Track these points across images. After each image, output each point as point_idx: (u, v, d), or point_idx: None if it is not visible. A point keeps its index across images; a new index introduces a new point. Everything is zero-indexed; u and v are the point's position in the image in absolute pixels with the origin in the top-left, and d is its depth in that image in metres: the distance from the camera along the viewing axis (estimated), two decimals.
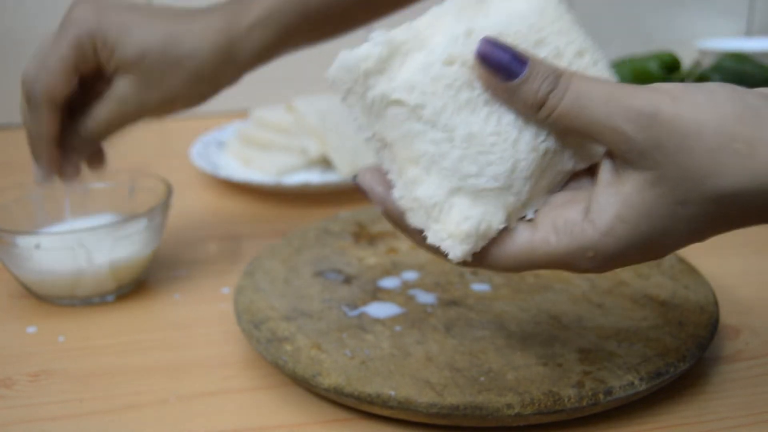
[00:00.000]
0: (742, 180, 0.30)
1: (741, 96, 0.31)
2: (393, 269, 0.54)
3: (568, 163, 0.35)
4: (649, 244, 0.33)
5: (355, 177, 0.37)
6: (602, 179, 0.33)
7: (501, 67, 0.33)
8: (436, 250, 0.35)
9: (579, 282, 0.51)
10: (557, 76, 0.32)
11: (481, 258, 0.35)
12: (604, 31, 1.10)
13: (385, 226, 0.60)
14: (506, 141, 0.33)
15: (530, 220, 0.35)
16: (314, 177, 0.76)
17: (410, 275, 0.53)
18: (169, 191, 0.56)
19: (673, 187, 0.31)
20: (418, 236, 0.35)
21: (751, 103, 0.31)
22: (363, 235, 0.59)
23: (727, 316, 0.50)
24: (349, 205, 0.70)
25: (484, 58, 0.33)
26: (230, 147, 0.83)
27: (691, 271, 0.51)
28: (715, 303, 0.47)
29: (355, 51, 0.34)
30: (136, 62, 0.50)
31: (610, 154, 0.33)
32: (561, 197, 0.35)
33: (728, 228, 0.33)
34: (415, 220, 0.34)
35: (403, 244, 0.58)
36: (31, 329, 0.51)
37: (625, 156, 0.32)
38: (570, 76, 0.32)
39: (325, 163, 0.78)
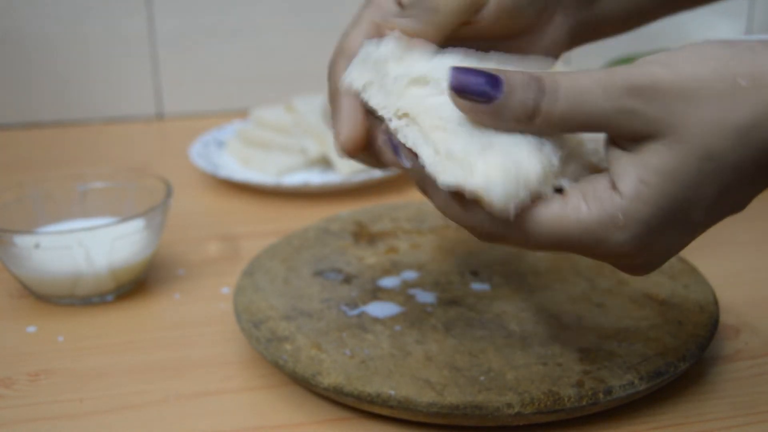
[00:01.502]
0: (756, 110, 0.30)
1: (729, 42, 0.31)
2: (393, 269, 0.54)
3: (591, 156, 0.35)
4: (680, 209, 0.32)
5: (381, 135, 0.36)
6: (614, 155, 0.33)
7: (477, 92, 0.32)
8: (467, 210, 0.33)
9: (579, 281, 0.51)
10: (538, 81, 0.32)
11: (518, 224, 0.33)
12: None
13: (385, 225, 0.60)
14: None
15: (562, 191, 0.34)
16: (314, 177, 0.76)
17: (410, 275, 0.53)
18: (168, 191, 0.56)
19: (693, 142, 0.31)
20: (442, 198, 0.34)
21: (739, 43, 0.31)
22: (363, 235, 0.59)
23: (726, 316, 0.50)
24: (348, 205, 0.70)
25: (459, 89, 0.32)
26: (230, 147, 0.83)
27: (691, 270, 0.51)
28: (715, 302, 0.47)
29: (379, 45, 0.36)
30: None
31: (617, 140, 0.33)
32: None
33: (757, 183, 0.32)
34: (448, 177, 0.32)
35: (403, 243, 0.58)
36: (31, 329, 0.51)
37: (638, 132, 0.31)
38: (552, 78, 0.32)
39: (325, 163, 0.78)
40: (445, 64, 0.35)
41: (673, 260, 0.52)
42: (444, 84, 0.33)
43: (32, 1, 0.93)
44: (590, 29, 0.47)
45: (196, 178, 0.79)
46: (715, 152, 0.31)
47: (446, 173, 0.33)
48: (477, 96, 0.32)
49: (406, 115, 0.35)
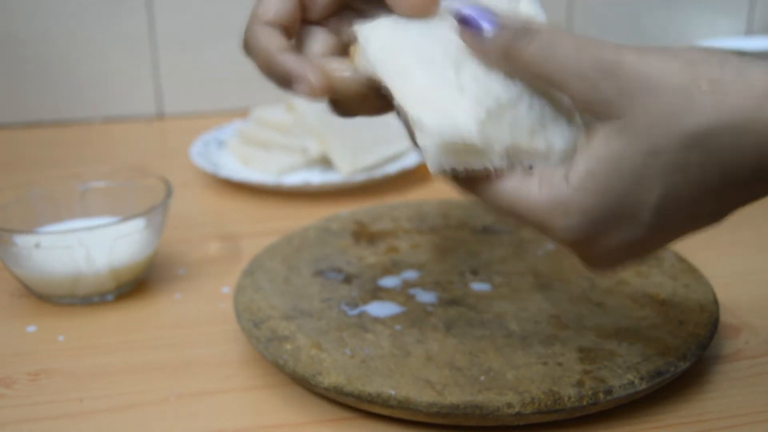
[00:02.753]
0: (709, 117, 0.30)
1: (707, 48, 0.32)
2: (393, 268, 0.54)
3: (559, 140, 0.36)
4: (623, 205, 0.32)
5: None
6: (579, 147, 0.34)
7: (472, 21, 0.35)
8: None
9: (579, 281, 0.51)
10: (526, 27, 0.34)
11: (472, 185, 0.36)
12: (604, 31, 1.10)
13: (386, 225, 0.60)
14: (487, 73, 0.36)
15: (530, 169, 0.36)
16: (314, 176, 0.76)
17: (410, 274, 0.53)
18: (168, 191, 0.56)
19: (640, 133, 0.31)
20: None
21: (716, 52, 0.31)
22: (363, 234, 0.59)
23: (727, 315, 0.50)
24: (349, 205, 0.70)
25: (459, 16, 0.36)
26: (230, 146, 0.83)
27: (691, 270, 0.51)
28: (716, 302, 0.47)
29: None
30: None
31: (580, 113, 0.34)
32: None
33: (718, 193, 0.32)
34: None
35: (404, 243, 0.58)
36: (31, 328, 0.51)
37: (592, 107, 0.32)
38: (539, 26, 0.34)
39: (325, 162, 0.78)
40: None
41: (673, 260, 0.52)
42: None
43: (32, 1, 0.93)
44: None
45: (197, 178, 0.79)
46: (659, 148, 0.31)
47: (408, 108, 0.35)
48: (470, 23, 0.35)
49: (382, 84, 0.37)
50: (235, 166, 0.79)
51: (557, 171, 0.34)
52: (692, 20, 1.12)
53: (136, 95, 1.00)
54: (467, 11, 0.36)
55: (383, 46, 0.38)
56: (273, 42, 0.39)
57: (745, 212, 0.34)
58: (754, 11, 1.13)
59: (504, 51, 0.34)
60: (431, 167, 0.34)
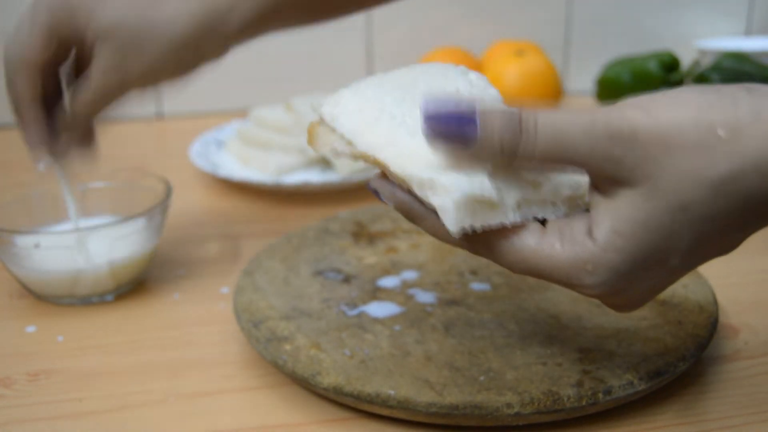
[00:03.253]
0: (733, 164, 0.30)
1: (711, 87, 0.31)
2: (392, 269, 0.54)
3: (565, 189, 0.36)
4: (654, 257, 0.32)
5: (368, 184, 0.38)
6: (595, 200, 0.33)
7: (453, 137, 0.32)
8: (446, 232, 0.34)
9: None
10: (517, 120, 0.32)
11: (490, 246, 0.35)
12: (604, 31, 1.10)
13: (385, 225, 0.60)
14: None
15: (543, 223, 0.35)
16: (313, 176, 0.76)
17: (410, 275, 0.53)
18: (168, 191, 0.56)
19: (667, 192, 0.31)
20: (428, 223, 0.35)
21: (725, 91, 0.31)
22: (362, 235, 0.59)
23: (726, 316, 0.50)
24: (348, 205, 0.70)
25: (434, 135, 0.32)
26: (229, 146, 0.83)
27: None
28: (715, 302, 0.47)
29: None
30: (113, 29, 0.48)
31: (596, 181, 0.33)
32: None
33: (741, 227, 0.32)
34: (418, 192, 0.34)
35: (403, 243, 0.58)
36: (31, 328, 0.51)
37: (615, 177, 0.32)
38: (531, 116, 0.32)
39: (325, 162, 0.78)
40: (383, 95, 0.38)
41: None
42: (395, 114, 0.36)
43: (32, 1, 0.93)
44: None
45: (196, 178, 0.79)
46: (689, 204, 0.31)
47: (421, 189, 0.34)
48: (454, 141, 0.32)
49: (370, 157, 0.36)
50: (235, 166, 0.79)
51: (577, 226, 0.33)
52: (692, 20, 1.12)
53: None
54: (435, 123, 0.32)
55: (358, 120, 0.37)
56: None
57: None
58: (754, 11, 1.13)
59: (506, 158, 0.32)
60: (452, 226, 0.33)
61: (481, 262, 0.54)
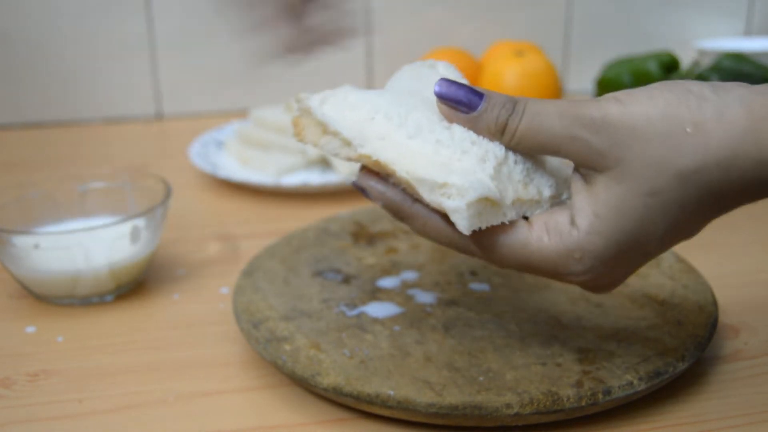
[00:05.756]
0: (699, 157, 0.32)
1: (682, 85, 0.34)
2: (392, 269, 0.54)
3: (546, 189, 0.38)
4: (632, 242, 0.34)
5: (353, 181, 0.39)
6: (576, 188, 0.36)
7: (461, 102, 0.36)
8: (440, 231, 0.37)
9: None
10: (513, 102, 0.36)
11: (482, 244, 0.37)
12: (604, 31, 1.10)
13: (385, 226, 0.60)
14: (481, 144, 0.37)
15: (528, 220, 0.37)
16: (313, 177, 0.76)
17: (409, 275, 0.53)
18: (168, 191, 0.56)
19: (637, 177, 0.33)
20: (419, 222, 0.37)
21: (694, 90, 0.33)
22: (362, 235, 0.59)
23: (726, 316, 0.50)
24: (348, 205, 0.70)
25: (444, 96, 0.37)
26: (229, 147, 0.83)
27: (690, 270, 0.51)
28: (714, 302, 0.47)
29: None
30: None
31: (577, 168, 0.36)
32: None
33: (705, 215, 0.34)
34: (426, 195, 0.36)
35: (403, 244, 0.58)
36: (30, 329, 0.51)
37: (588, 162, 0.34)
38: (524, 100, 0.36)
39: (325, 163, 0.78)
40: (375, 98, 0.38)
41: (672, 260, 0.52)
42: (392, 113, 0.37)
43: (32, 1, 0.93)
44: None
45: (196, 178, 0.79)
46: (657, 189, 0.33)
47: (428, 194, 0.36)
48: (459, 104, 0.37)
49: (371, 159, 0.37)
50: (234, 166, 0.79)
51: (560, 218, 0.36)
52: (692, 20, 1.12)
53: (136, 96, 1.00)
54: (453, 89, 0.37)
55: (352, 119, 0.38)
56: None
57: (744, 213, 0.35)
58: (753, 11, 1.13)
59: (498, 127, 0.36)
60: (465, 226, 0.34)
61: (480, 262, 0.54)
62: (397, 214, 0.38)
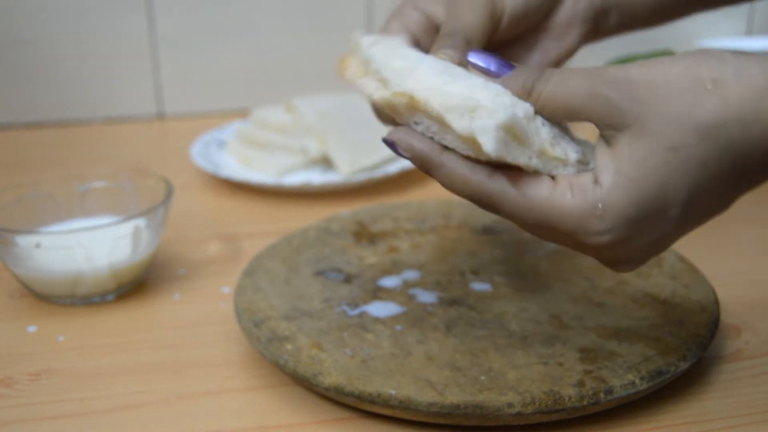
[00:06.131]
0: (718, 111, 0.33)
1: (703, 50, 0.34)
2: (393, 268, 0.54)
3: (573, 153, 0.37)
4: (655, 201, 0.34)
5: (383, 137, 0.38)
6: (600, 151, 0.36)
7: (492, 70, 0.38)
8: (465, 179, 0.36)
9: (579, 281, 0.51)
10: (541, 70, 0.37)
11: (504, 192, 0.36)
12: None
13: (386, 225, 0.60)
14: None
15: (553, 177, 0.37)
16: (314, 177, 0.76)
17: (411, 274, 0.53)
18: (169, 191, 0.56)
19: (657, 133, 0.33)
20: (445, 171, 0.37)
21: (714, 53, 0.34)
22: (363, 235, 0.59)
23: (727, 315, 0.50)
24: (349, 205, 0.70)
25: (476, 62, 0.38)
26: (230, 147, 0.83)
27: (692, 270, 0.51)
28: (716, 302, 0.47)
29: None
30: None
31: (601, 133, 0.36)
32: None
33: (729, 181, 0.34)
34: (456, 123, 0.35)
35: (404, 243, 0.58)
36: (31, 328, 0.51)
37: (609, 120, 0.35)
38: (552, 69, 0.37)
39: (326, 162, 0.78)
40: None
41: (673, 260, 0.52)
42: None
43: (33, 1, 0.93)
44: (603, 15, 0.50)
45: (197, 178, 0.79)
46: (678, 144, 0.33)
47: (452, 116, 0.35)
48: (489, 71, 0.38)
49: (405, 96, 0.37)
50: (236, 166, 0.79)
51: (585, 179, 0.36)
52: (693, 20, 1.12)
53: (137, 96, 1.00)
54: (485, 57, 0.39)
55: (398, 58, 0.38)
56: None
57: (744, 213, 0.35)
58: (754, 11, 1.13)
59: (526, 89, 0.37)
60: (492, 146, 0.34)
61: (482, 261, 0.54)
62: (425, 165, 0.37)
